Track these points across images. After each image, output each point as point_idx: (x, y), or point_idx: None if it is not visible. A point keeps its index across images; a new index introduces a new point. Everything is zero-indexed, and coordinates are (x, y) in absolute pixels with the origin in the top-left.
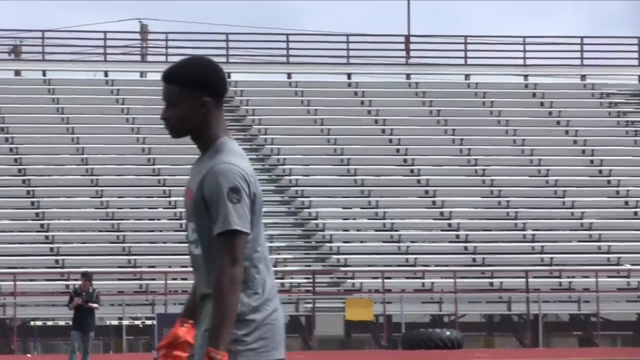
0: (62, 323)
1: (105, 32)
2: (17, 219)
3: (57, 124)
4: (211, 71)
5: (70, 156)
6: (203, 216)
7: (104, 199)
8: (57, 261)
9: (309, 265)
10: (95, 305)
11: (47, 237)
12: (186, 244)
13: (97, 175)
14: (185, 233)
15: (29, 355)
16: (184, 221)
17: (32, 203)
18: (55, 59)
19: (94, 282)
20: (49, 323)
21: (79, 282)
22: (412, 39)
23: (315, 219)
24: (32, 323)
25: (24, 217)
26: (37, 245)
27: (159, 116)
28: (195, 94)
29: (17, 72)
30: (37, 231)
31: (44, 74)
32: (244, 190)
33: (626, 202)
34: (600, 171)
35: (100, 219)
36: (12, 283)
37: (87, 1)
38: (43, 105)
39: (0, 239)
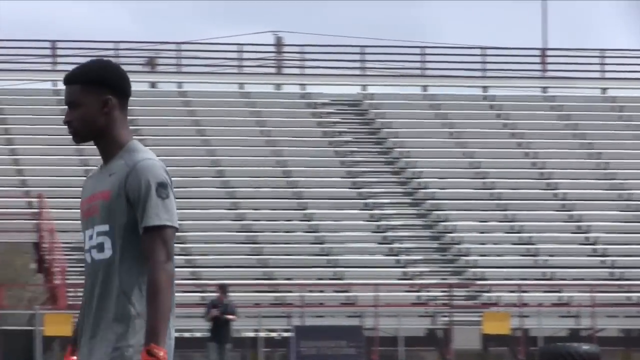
0: (198, 335)
1: (240, 44)
2: None
3: (192, 135)
4: (112, 70)
5: (205, 168)
6: (121, 216)
7: (239, 211)
8: (192, 273)
9: (446, 279)
10: (232, 316)
11: (182, 249)
12: (321, 256)
13: (233, 188)
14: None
15: None
16: (319, 234)
17: None
18: (191, 71)
19: (229, 294)
20: (186, 335)
21: (215, 294)
22: (548, 52)
23: (452, 232)
24: None
25: None
26: None
27: (294, 128)
28: (96, 92)
29: (153, 84)
30: None
31: (180, 86)
32: (169, 185)
33: None
34: None
35: (237, 231)
36: None
37: (223, 14)
38: (178, 117)
39: None
